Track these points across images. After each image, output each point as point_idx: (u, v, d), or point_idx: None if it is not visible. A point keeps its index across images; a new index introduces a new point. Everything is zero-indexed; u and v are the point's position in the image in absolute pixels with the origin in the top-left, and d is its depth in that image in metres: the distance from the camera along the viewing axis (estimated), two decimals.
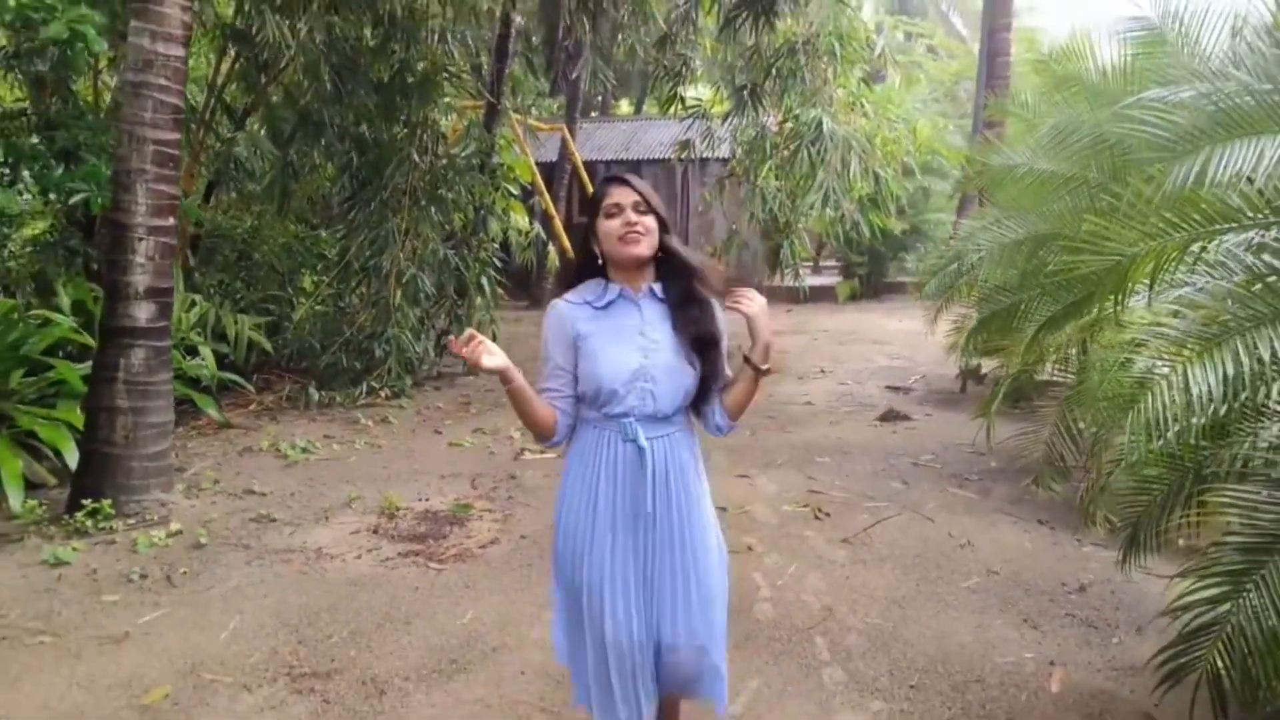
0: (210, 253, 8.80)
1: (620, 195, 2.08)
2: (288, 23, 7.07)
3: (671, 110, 10.62)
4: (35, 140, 6.29)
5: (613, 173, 2.18)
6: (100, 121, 6.67)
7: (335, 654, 3.26)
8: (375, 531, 4.60)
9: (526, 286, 15.00)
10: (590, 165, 16.13)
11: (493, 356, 1.97)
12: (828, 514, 4.82)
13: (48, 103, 6.81)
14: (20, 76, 7.16)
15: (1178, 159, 2.28)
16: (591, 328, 2.11)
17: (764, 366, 2.09)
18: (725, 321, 2.15)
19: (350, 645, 3.33)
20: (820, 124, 8.34)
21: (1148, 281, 2.47)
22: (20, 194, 6.78)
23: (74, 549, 4.20)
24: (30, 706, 2.93)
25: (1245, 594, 2.08)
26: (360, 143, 8.52)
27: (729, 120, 9.74)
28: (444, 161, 8.77)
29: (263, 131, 8.93)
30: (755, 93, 9.29)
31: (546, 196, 13.52)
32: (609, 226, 2.07)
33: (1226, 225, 2.29)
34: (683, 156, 10.85)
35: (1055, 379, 5.35)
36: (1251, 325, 2.10)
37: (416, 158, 8.42)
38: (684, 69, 10.69)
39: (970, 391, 8.18)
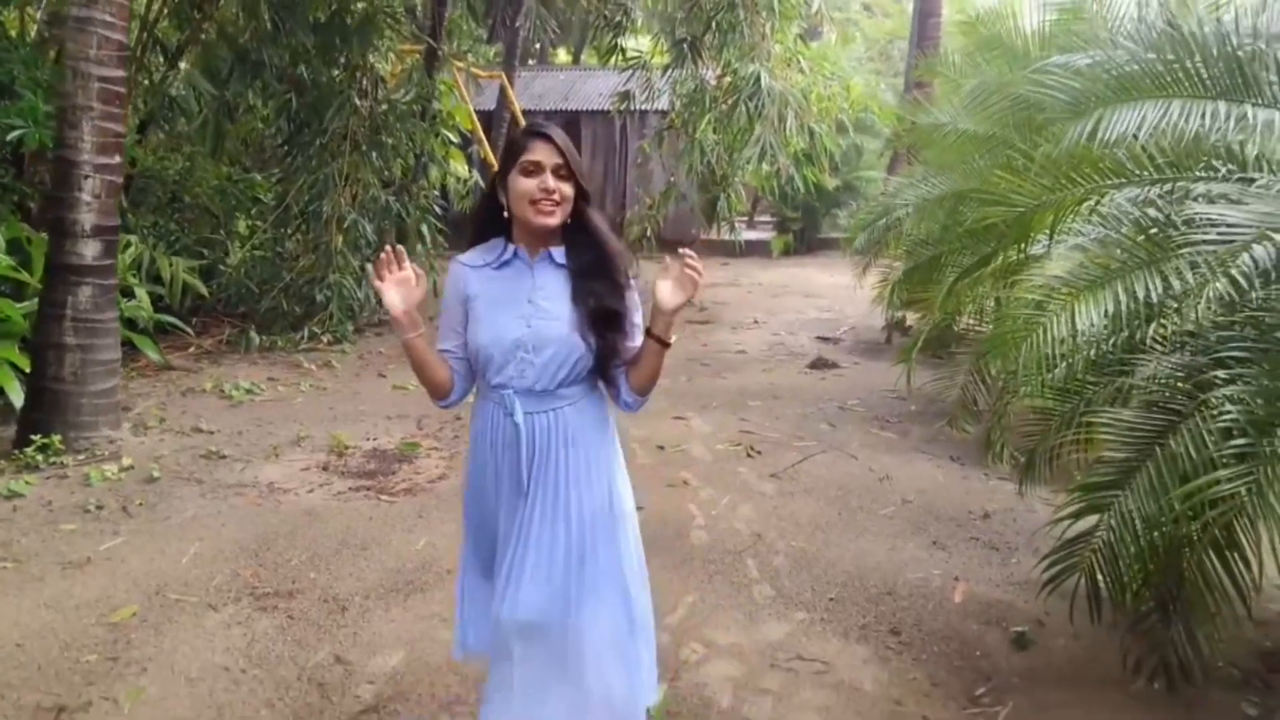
0: (142, 193, 8.64)
1: (541, 153, 1.89)
2: None
3: (612, 61, 10.72)
4: None
5: (536, 123, 2.01)
6: (33, 54, 6.52)
7: (295, 576, 3.44)
8: (325, 469, 4.75)
9: (465, 236, 14.97)
10: (529, 114, 16.02)
11: (396, 296, 1.92)
12: (759, 452, 5.12)
13: None
14: None
15: (1073, 120, 2.55)
16: (481, 289, 1.99)
17: (670, 339, 1.91)
18: (636, 299, 2.00)
19: (310, 568, 3.51)
20: (758, 78, 8.54)
21: (1048, 232, 2.76)
22: None
23: (26, 482, 4.28)
24: (0, 627, 3.06)
25: (1116, 504, 2.40)
26: (299, 85, 8.44)
27: (668, 73, 9.87)
28: (384, 106, 8.75)
29: (198, 70, 8.75)
30: (694, 46, 9.42)
31: (486, 145, 13.46)
32: (523, 186, 1.89)
33: (1118, 181, 2.57)
34: (622, 108, 10.94)
35: (973, 329, 5.72)
36: (1132, 269, 2.39)
37: (357, 101, 8.38)
38: (624, 19, 10.76)
39: (895, 342, 8.56)
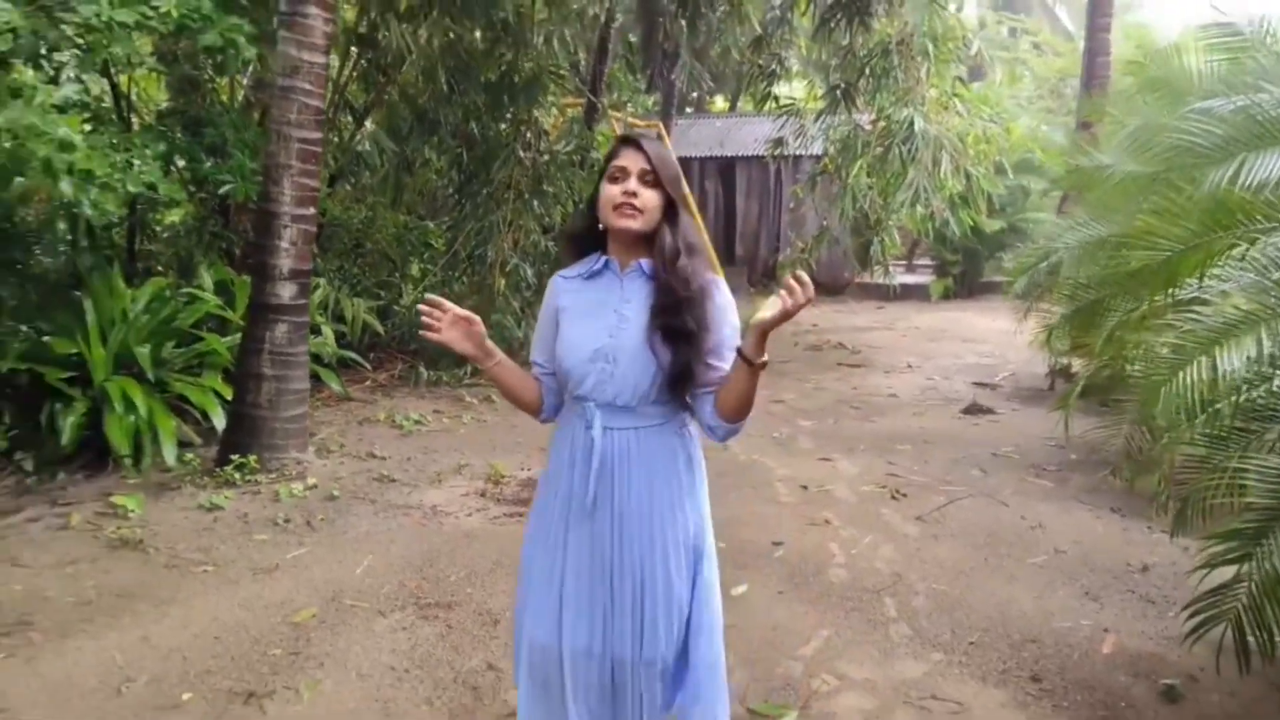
0: (330, 240, 9.47)
1: (628, 159, 1.88)
2: (409, 28, 7.63)
3: (765, 108, 10.94)
4: (186, 137, 6.95)
5: (631, 131, 2.05)
6: (241, 119, 7.34)
7: (454, 590, 3.71)
8: (483, 494, 5.07)
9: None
10: (684, 162, 16.47)
11: (457, 335, 1.90)
12: (904, 495, 5.08)
13: (196, 102, 7.50)
14: (167, 78, 7.92)
15: (1216, 165, 2.51)
16: (570, 301, 1.98)
17: (760, 360, 1.78)
18: (721, 317, 1.91)
19: (467, 584, 3.78)
20: (911, 123, 8.51)
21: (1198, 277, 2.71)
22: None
23: (225, 497, 4.79)
24: (201, 621, 3.46)
25: (1259, 552, 2.31)
26: (469, 139, 9.07)
27: (821, 118, 9.97)
28: (546, 157, 9.26)
29: (381, 129, 9.55)
30: (848, 92, 9.50)
31: None
32: (608, 191, 1.88)
33: (1268, 225, 2.50)
34: (775, 154, 11.11)
35: (1136, 375, 5.47)
36: (1276, 314, 2.31)
37: (520, 153, 8.92)
38: (778, 68, 10.98)
39: (1059, 389, 8.23)
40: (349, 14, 9.18)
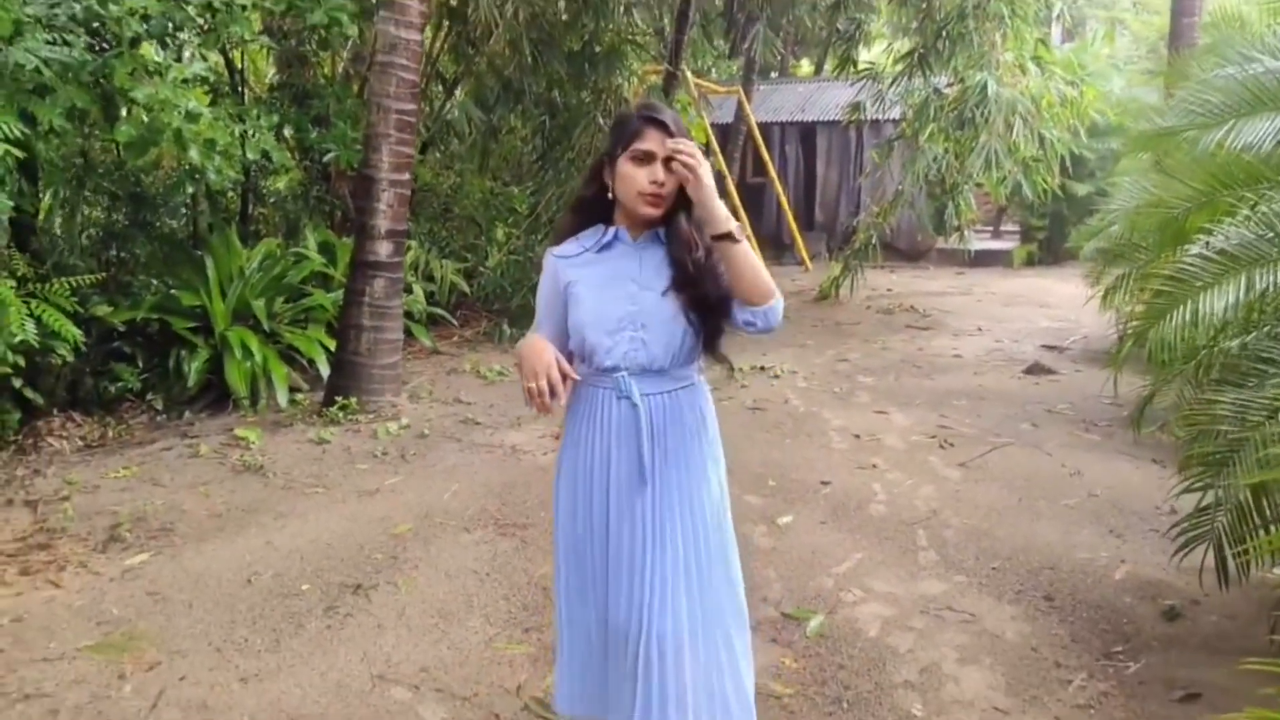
0: (421, 205, 10.06)
1: (655, 142, 1.84)
2: (497, 2, 8.06)
3: (843, 73, 11.08)
4: (294, 108, 7.55)
5: (652, 105, 1.94)
6: (344, 91, 7.91)
7: (528, 513, 4.19)
8: (556, 437, 5.51)
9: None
10: (765, 127, 16.60)
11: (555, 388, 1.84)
12: (952, 444, 5.35)
13: (303, 76, 8.11)
14: (275, 53, 8.55)
15: (1207, 130, 2.74)
16: (582, 273, 1.95)
17: (727, 230, 1.77)
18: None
19: (540, 509, 4.25)
20: (985, 87, 8.59)
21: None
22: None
23: (331, 433, 5.37)
24: (315, 531, 4.01)
25: (1228, 472, 2.57)
26: (551, 107, 9.50)
27: (896, 83, 10.07)
28: None
29: (470, 98, 10.05)
30: (924, 56, 9.59)
31: (720, 157, 14.18)
32: (633, 174, 1.86)
33: (1270, 185, 2.73)
34: (854, 118, 11.24)
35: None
36: (1254, 264, 2.54)
37: (600, 120, 9.30)
38: (857, 32, 11.10)
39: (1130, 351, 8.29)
40: None
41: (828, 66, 22.71)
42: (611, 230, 1.97)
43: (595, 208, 2.00)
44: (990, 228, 20.07)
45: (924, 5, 9.50)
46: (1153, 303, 2.80)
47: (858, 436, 5.52)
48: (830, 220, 17.50)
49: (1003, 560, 3.70)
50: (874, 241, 11.40)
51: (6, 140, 4.44)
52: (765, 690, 2.74)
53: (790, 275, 14.43)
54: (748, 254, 1.80)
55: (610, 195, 1.94)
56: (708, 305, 1.90)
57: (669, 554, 1.90)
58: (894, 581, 3.49)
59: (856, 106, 11.01)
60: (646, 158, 1.85)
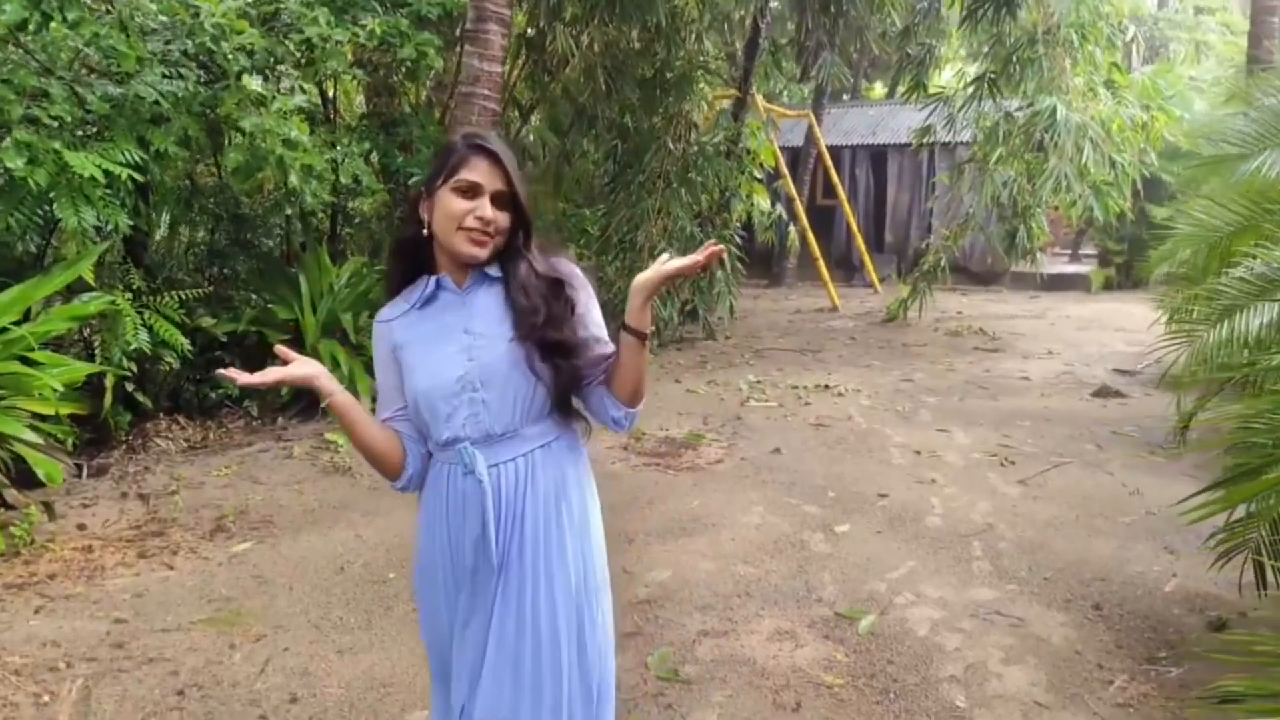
0: None
1: (480, 172, 1.62)
2: (573, 32, 8.43)
3: (913, 97, 11.22)
4: (382, 135, 8.00)
5: (476, 133, 1.70)
6: (427, 118, 8.34)
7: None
8: (625, 448, 5.78)
9: (768, 266, 15.94)
10: (835, 150, 16.73)
11: (294, 367, 1.62)
12: (1012, 463, 5.43)
13: (391, 105, 8.58)
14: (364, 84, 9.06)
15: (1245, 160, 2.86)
16: (408, 335, 1.71)
17: (649, 329, 1.65)
18: (590, 301, 1.76)
19: (608, 512, 4.42)
20: (1054, 111, 8.63)
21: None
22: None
23: None
24: (399, 527, 4.30)
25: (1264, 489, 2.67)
26: (623, 132, 9.83)
27: (965, 107, 10.16)
28: (695, 148, 9.90)
29: (545, 124, 10.46)
30: (994, 81, 9.68)
31: (789, 180, 14.34)
32: (453, 206, 1.62)
33: None
34: (924, 142, 11.34)
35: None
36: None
37: (671, 145, 9.59)
38: (928, 57, 11.22)
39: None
40: (519, 20, 10.12)
41: (899, 90, 22.84)
42: (432, 281, 1.72)
43: (417, 253, 1.74)
44: (1068, 252, 19.82)
45: (995, 30, 9.58)
46: (1194, 321, 2.91)
47: (918, 453, 5.63)
48: (900, 243, 17.50)
49: (1055, 571, 3.80)
50: (943, 264, 11.44)
51: (127, 165, 4.92)
52: (816, 680, 2.92)
53: (859, 297, 14.51)
54: (644, 353, 1.66)
55: (426, 232, 1.69)
56: (559, 351, 1.66)
57: (504, 642, 1.66)
58: (946, 588, 3.63)
59: (927, 130, 11.10)
60: (472, 190, 1.62)
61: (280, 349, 1.64)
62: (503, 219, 1.65)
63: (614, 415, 1.73)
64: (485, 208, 1.62)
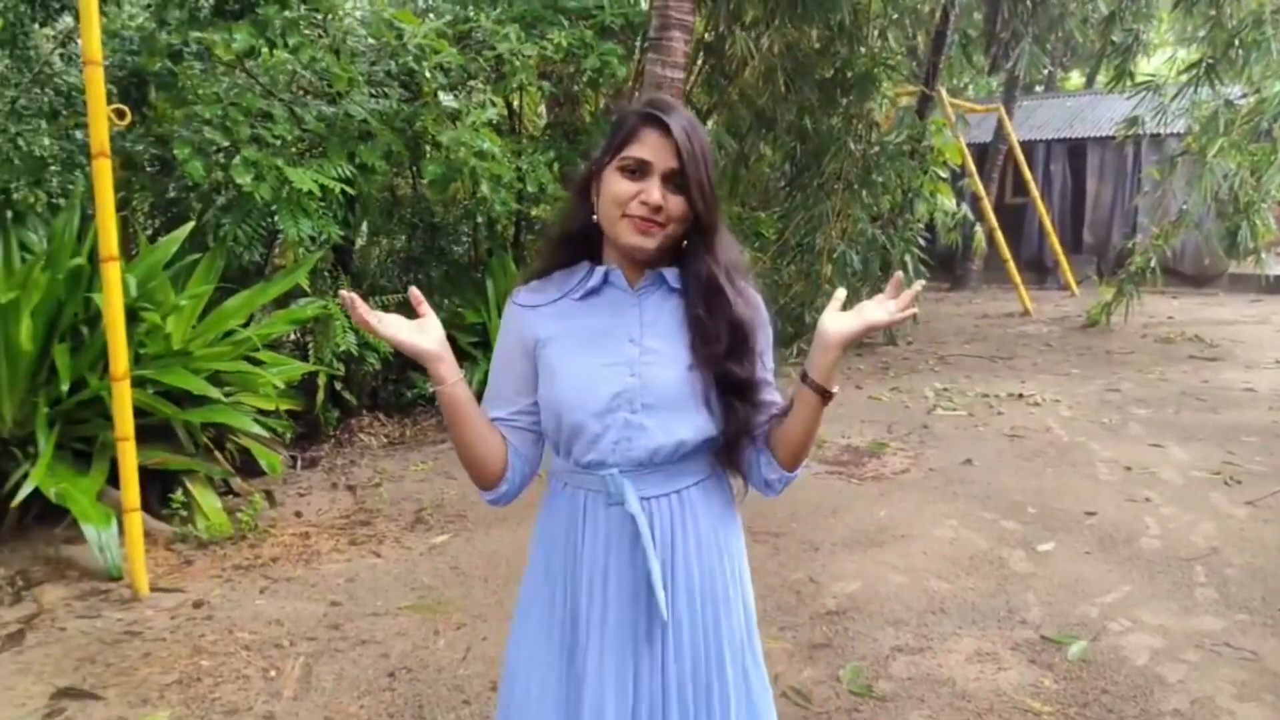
0: None
1: (651, 148, 1.34)
2: (752, 35, 8.38)
3: (1119, 86, 10.45)
4: (566, 144, 8.23)
5: (659, 100, 1.39)
6: (607, 125, 8.51)
7: (781, 523, 4.36)
8: None
9: (950, 268, 15.27)
10: (1028, 145, 15.83)
11: (415, 328, 1.36)
12: (1238, 481, 4.94)
13: (573, 114, 8.82)
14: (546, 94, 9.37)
15: None
16: (557, 330, 1.43)
17: (832, 389, 1.39)
18: (766, 336, 1.50)
19: (791, 520, 4.40)
20: None
21: None
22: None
23: None
24: None
25: None
26: (802, 134, 9.67)
27: (1180, 95, 9.37)
28: (876, 148, 9.62)
29: (723, 127, 10.45)
30: (1213, 66, 8.87)
31: (976, 178, 13.69)
32: (617, 188, 1.35)
33: None
34: (1130, 134, 10.54)
35: None
36: None
37: (851, 145, 9.36)
38: (1135, 43, 10.44)
39: None
40: (698, 26, 10.17)
41: (1100, 79, 21.29)
42: (600, 270, 1.44)
43: (586, 244, 1.47)
44: None
45: (1213, 12, 8.79)
46: None
47: (1128, 469, 5.21)
48: (1101, 242, 16.38)
49: None
50: (1153, 265, 10.59)
51: (339, 179, 5.27)
52: (1023, 706, 2.75)
53: (1054, 300, 13.69)
54: (821, 414, 1.41)
55: (594, 219, 1.42)
56: (739, 391, 1.42)
57: (684, 707, 1.42)
58: (1165, 615, 3.33)
59: (1133, 121, 10.32)
60: (640, 169, 1.35)
61: (414, 292, 1.38)
62: (675, 205, 1.36)
63: (768, 477, 1.48)
64: (653, 190, 1.34)
